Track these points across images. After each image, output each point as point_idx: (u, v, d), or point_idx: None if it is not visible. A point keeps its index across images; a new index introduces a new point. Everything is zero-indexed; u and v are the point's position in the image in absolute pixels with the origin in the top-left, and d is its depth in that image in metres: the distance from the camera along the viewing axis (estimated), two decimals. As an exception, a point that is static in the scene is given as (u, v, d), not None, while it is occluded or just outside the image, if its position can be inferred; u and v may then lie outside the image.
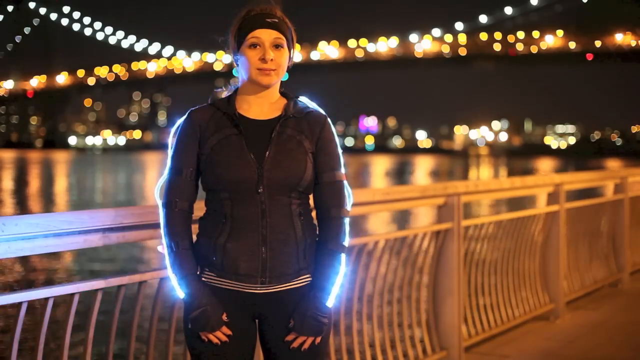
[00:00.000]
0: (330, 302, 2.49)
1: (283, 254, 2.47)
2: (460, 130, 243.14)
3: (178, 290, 2.49)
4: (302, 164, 2.49)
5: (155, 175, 53.49)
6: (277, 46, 2.50)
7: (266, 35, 2.48)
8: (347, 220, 2.55)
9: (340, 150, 2.60)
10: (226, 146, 2.48)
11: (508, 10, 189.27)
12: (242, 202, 2.46)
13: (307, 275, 2.53)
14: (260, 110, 2.56)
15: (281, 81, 2.61)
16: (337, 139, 2.60)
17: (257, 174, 2.45)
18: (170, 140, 2.57)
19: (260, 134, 2.50)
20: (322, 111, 2.61)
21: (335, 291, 2.51)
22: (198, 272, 2.52)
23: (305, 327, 2.48)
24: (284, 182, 2.46)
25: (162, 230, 2.51)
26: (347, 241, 2.54)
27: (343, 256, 2.52)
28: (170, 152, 2.55)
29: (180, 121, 2.57)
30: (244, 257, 2.46)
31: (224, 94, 2.63)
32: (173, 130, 2.58)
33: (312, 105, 2.62)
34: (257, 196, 2.45)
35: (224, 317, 2.49)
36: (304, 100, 2.62)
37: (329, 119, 2.60)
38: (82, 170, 64.89)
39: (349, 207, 2.57)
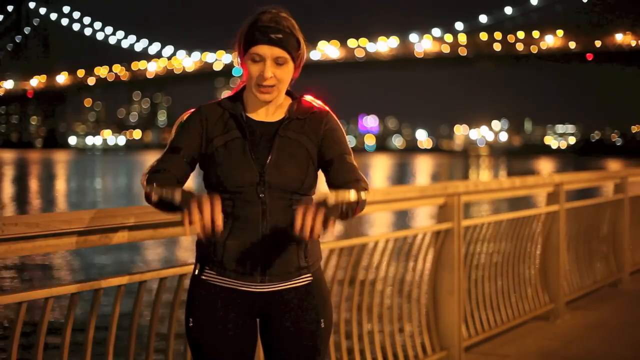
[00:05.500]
0: (331, 200, 2.30)
1: (283, 253, 2.47)
2: (460, 130, 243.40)
3: (176, 198, 2.31)
4: (303, 168, 2.48)
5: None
6: (279, 63, 2.46)
7: (268, 52, 2.44)
8: (365, 194, 2.45)
9: (348, 141, 2.58)
10: (230, 149, 2.47)
11: (508, 10, 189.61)
12: (243, 202, 2.46)
13: (308, 275, 2.53)
14: (266, 112, 2.55)
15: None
16: (342, 131, 2.58)
17: (258, 179, 2.45)
18: (174, 129, 2.54)
19: (264, 137, 2.49)
20: (326, 107, 2.59)
21: (340, 199, 2.33)
22: (197, 272, 2.52)
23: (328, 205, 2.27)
24: (285, 186, 2.46)
25: (145, 187, 2.40)
26: (364, 198, 2.43)
27: (364, 192, 2.41)
28: (171, 137, 2.52)
29: (187, 113, 2.55)
30: (244, 255, 2.46)
31: (230, 93, 2.62)
32: (178, 120, 2.56)
33: (317, 103, 2.59)
34: (259, 198, 2.45)
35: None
36: (308, 99, 2.60)
37: (331, 114, 2.58)
38: (82, 171, 64.86)
39: (367, 184, 2.50)
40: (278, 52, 2.44)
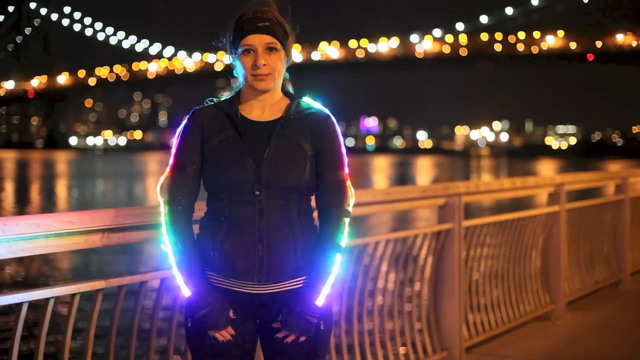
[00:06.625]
0: (320, 301, 2.48)
1: (280, 252, 2.46)
2: (461, 131, 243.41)
3: (184, 289, 2.48)
4: (300, 166, 2.48)
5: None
6: (270, 49, 2.48)
7: (258, 41, 2.46)
8: (347, 221, 2.54)
9: (343, 150, 2.58)
10: (225, 148, 2.48)
11: (509, 10, 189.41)
12: (240, 202, 2.46)
13: (306, 277, 2.53)
14: (262, 111, 2.55)
15: (287, 80, 2.61)
16: (340, 138, 2.57)
17: (254, 176, 2.44)
18: (174, 138, 2.56)
19: (260, 135, 2.50)
20: (326, 110, 2.59)
21: (327, 291, 2.49)
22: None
23: (290, 323, 2.47)
24: (282, 184, 2.46)
25: (164, 228, 2.50)
26: (344, 241, 2.53)
27: (338, 256, 2.50)
28: (173, 149, 2.55)
29: (184, 120, 2.57)
30: (240, 255, 2.46)
31: (227, 94, 2.63)
32: (179, 129, 2.58)
33: (316, 105, 2.60)
34: (255, 197, 2.45)
35: (231, 314, 2.49)
36: (307, 100, 2.60)
37: (332, 118, 2.58)
38: (83, 172, 64.85)
39: (350, 207, 2.56)
40: (267, 39, 2.46)
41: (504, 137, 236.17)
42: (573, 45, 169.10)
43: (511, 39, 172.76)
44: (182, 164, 2.51)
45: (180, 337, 3.33)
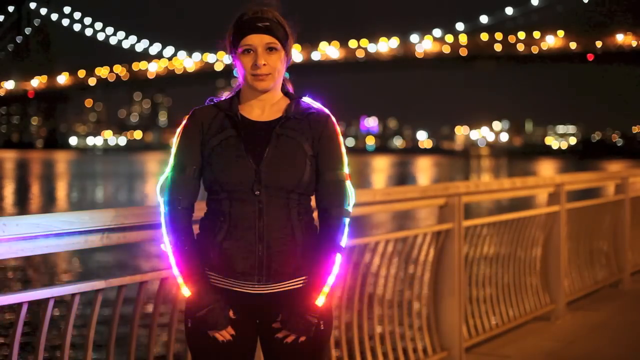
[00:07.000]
0: (320, 301, 2.48)
1: (280, 252, 2.46)
2: (461, 131, 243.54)
3: (184, 289, 2.48)
4: (300, 166, 2.48)
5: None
6: (270, 49, 2.48)
7: (258, 41, 2.47)
8: (347, 221, 2.54)
9: (343, 150, 2.57)
10: (225, 147, 2.48)
11: (509, 10, 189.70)
12: (239, 201, 2.46)
13: (306, 277, 2.52)
14: (262, 111, 2.56)
15: (287, 80, 2.61)
16: (340, 138, 2.57)
17: (254, 176, 2.44)
18: (174, 139, 2.56)
19: (260, 135, 2.50)
20: (326, 110, 2.59)
21: (327, 291, 2.49)
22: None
23: (290, 324, 2.46)
24: (282, 184, 2.46)
25: (164, 229, 2.50)
26: (344, 241, 2.52)
27: (338, 256, 2.50)
28: (173, 149, 2.55)
29: (184, 120, 2.57)
30: (240, 255, 2.46)
31: (227, 94, 2.63)
32: (180, 128, 2.57)
33: (316, 105, 2.60)
34: (255, 197, 2.45)
35: (231, 314, 2.49)
36: (307, 100, 2.60)
37: (332, 118, 2.58)
38: (83, 172, 64.83)
39: (350, 207, 2.56)
40: (267, 39, 2.47)
41: (504, 137, 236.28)
42: (573, 45, 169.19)
43: (511, 39, 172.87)
44: (182, 164, 2.51)
45: (179, 338, 3.34)
